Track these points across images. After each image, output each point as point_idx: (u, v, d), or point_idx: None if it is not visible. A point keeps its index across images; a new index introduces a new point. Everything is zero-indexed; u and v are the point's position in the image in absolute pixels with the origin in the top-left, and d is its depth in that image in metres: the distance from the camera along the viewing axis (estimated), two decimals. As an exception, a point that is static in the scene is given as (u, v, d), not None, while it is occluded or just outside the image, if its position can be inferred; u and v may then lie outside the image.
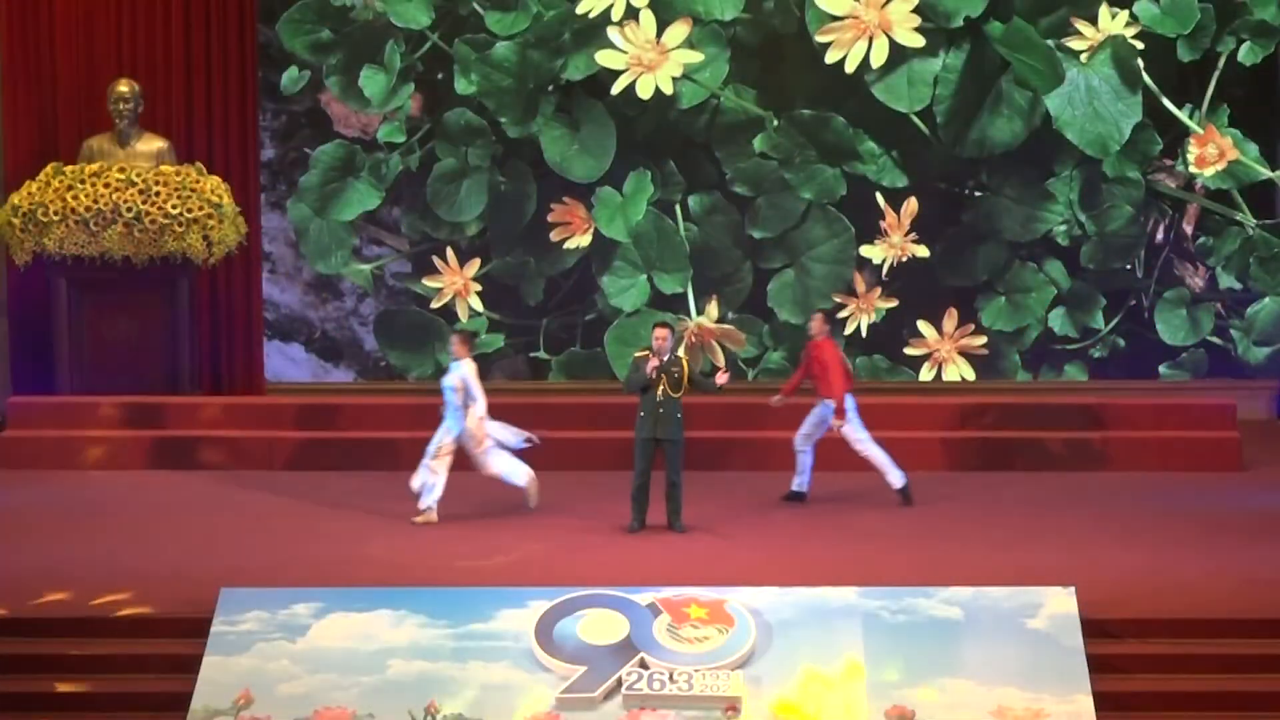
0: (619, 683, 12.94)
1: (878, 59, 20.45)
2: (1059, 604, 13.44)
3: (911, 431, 18.67)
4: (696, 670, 12.98)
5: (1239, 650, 13.36)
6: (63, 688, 13.18)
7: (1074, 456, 18.53)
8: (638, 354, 16.00)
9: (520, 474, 16.47)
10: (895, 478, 16.93)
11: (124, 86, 19.47)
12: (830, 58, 20.50)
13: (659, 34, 20.48)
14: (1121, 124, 20.55)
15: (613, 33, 20.47)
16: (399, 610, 13.43)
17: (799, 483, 17.00)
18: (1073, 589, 13.56)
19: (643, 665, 13.05)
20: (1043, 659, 13.09)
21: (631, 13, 20.45)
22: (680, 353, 16.46)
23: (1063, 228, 20.69)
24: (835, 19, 20.48)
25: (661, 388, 15.75)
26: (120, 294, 19.29)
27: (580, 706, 12.86)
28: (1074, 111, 20.56)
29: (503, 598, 13.52)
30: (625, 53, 20.51)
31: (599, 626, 13.31)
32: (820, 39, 20.51)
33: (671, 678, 12.95)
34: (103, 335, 19.29)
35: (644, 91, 20.47)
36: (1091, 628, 13.31)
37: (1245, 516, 16.52)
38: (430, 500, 16.19)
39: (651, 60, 20.56)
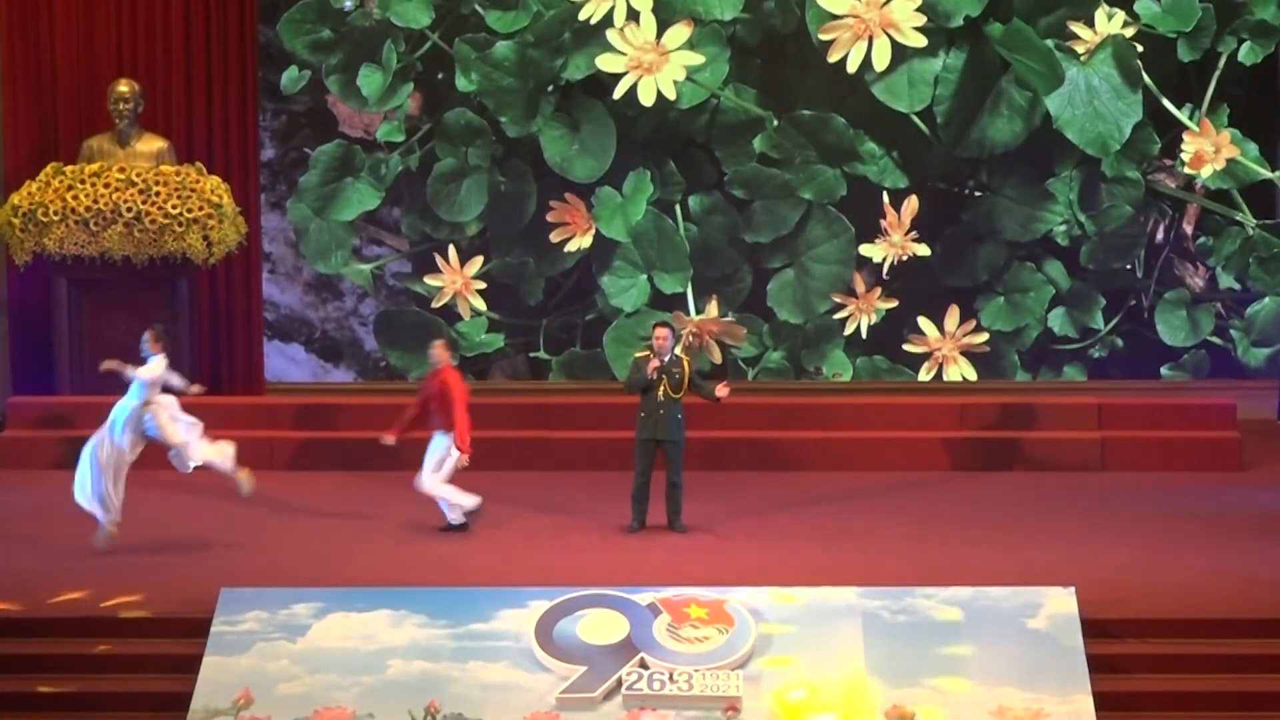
0: (619, 683, 12.95)
1: (879, 59, 20.45)
2: (1059, 604, 13.45)
3: (912, 431, 18.69)
4: (696, 670, 12.98)
5: (1239, 650, 13.36)
6: (63, 688, 13.18)
7: (1074, 456, 18.52)
8: (638, 354, 15.99)
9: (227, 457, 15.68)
10: (458, 513, 16.00)
11: (124, 86, 19.46)
12: (832, 57, 20.50)
13: (659, 35, 20.48)
14: (1122, 123, 20.54)
15: (612, 36, 20.46)
16: (399, 610, 13.43)
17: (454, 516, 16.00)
18: (1073, 589, 13.56)
19: (643, 665, 13.05)
20: (1043, 659, 13.09)
21: (632, 15, 20.44)
22: (679, 352, 16.39)
23: (1062, 228, 20.67)
24: (836, 18, 20.48)
25: (662, 388, 15.74)
26: (120, 294, 19.28)
27: (580, 706, 12.86)
28: (1074, 111, 20.55)
29: (503, 598, 13.53)
30: (625, 55, 20.51)
31: (599, 626, 13.32)
32: (821, 37, 20.51)
33: (671, 678, 12.96)
34: (103, 335, 19.27)
35: (645, 95, 20.46)
36: (1091, 628, 13.31)
37: (1245, 516, 16.52)
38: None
39: (652, 62, 20.54)
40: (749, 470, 18.18)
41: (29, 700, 13.09)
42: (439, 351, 16.30)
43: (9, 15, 19.96)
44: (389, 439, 16.31)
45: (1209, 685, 13.16)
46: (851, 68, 20.49)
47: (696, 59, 20.51)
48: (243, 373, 20.29)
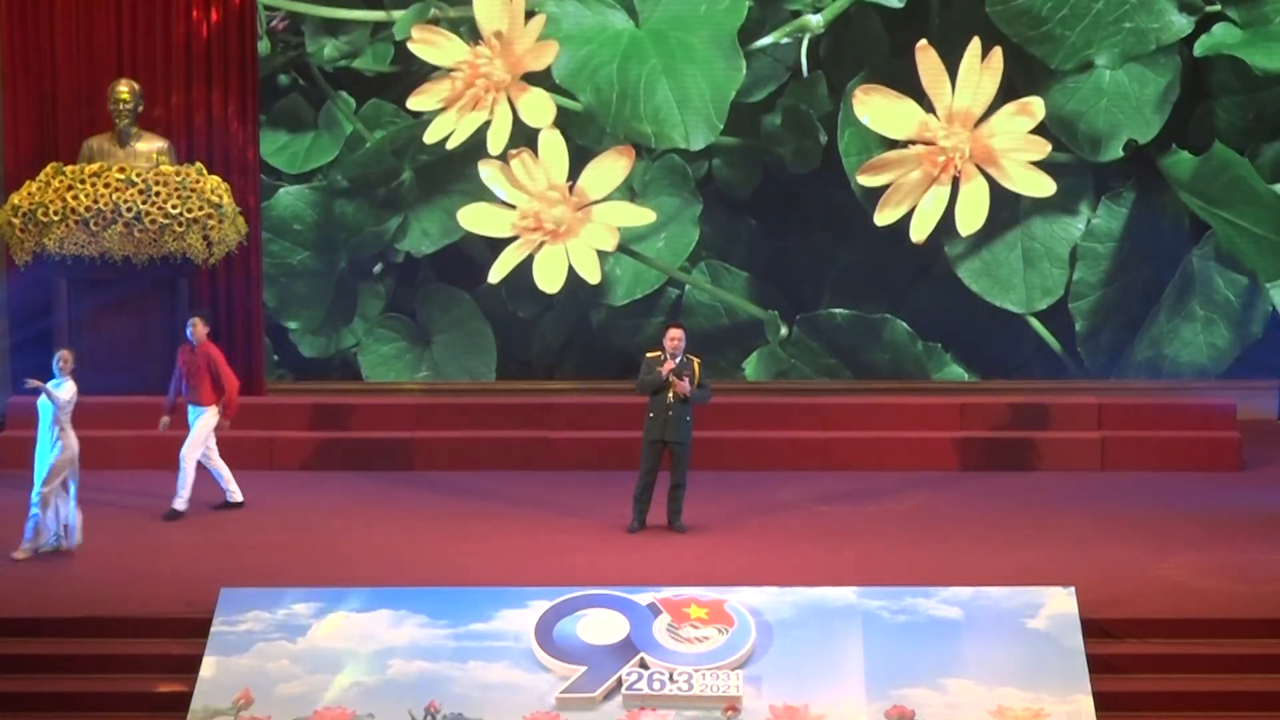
0: (619, 683, 12.95)
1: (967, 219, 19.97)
2: (1059, 604, 13.45)
3: (911, 431, 18.68)
4: (696, 670, 12.98)
5: (1239, 650, 13.37)
6: (63, 688, 13.18)
7: (1074, 456, 18.52)
8: (649, 354, 15.95)
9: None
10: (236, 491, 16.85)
11: (124, 87, 19.44)
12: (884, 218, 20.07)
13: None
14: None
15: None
16: (399, 610, 13.44)
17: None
18: (1073, 589, 13.57)
19: (643, 665, 13.05)
20: (1043, 659, 13.09)
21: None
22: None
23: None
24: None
25: (672, 390, 15.70)
26: (120, 294, 19.27)
27: (580, 706, 12.86)
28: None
29: (503, 598, 13.53)
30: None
31: (599, 626, 13.32)
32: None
33: (671, 678, 12.95)
34: (103, 335, 19.27)
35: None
36: (1091, 628, 13.32)
37: (1245, 516, 16.52)
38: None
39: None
40: (749, 470, 18.17)
41: (29, 700, 13.09)
42: (199, 328, 16.75)
43: (9, 15, 19.95)
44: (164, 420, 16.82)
45: (1209, 685, 13.17)
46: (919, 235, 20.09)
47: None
48: (243, 373, 20.20)
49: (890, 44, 20.19)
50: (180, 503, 16.57)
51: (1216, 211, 20.14)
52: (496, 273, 20.27)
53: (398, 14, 20.24)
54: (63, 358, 15.73)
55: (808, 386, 20.42)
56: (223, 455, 18.38)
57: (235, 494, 16.87)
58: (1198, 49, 19.97)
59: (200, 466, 16.78)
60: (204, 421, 16.74)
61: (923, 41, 19.95)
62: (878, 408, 19.16)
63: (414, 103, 20.19)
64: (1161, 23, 20.05)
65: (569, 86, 20.15)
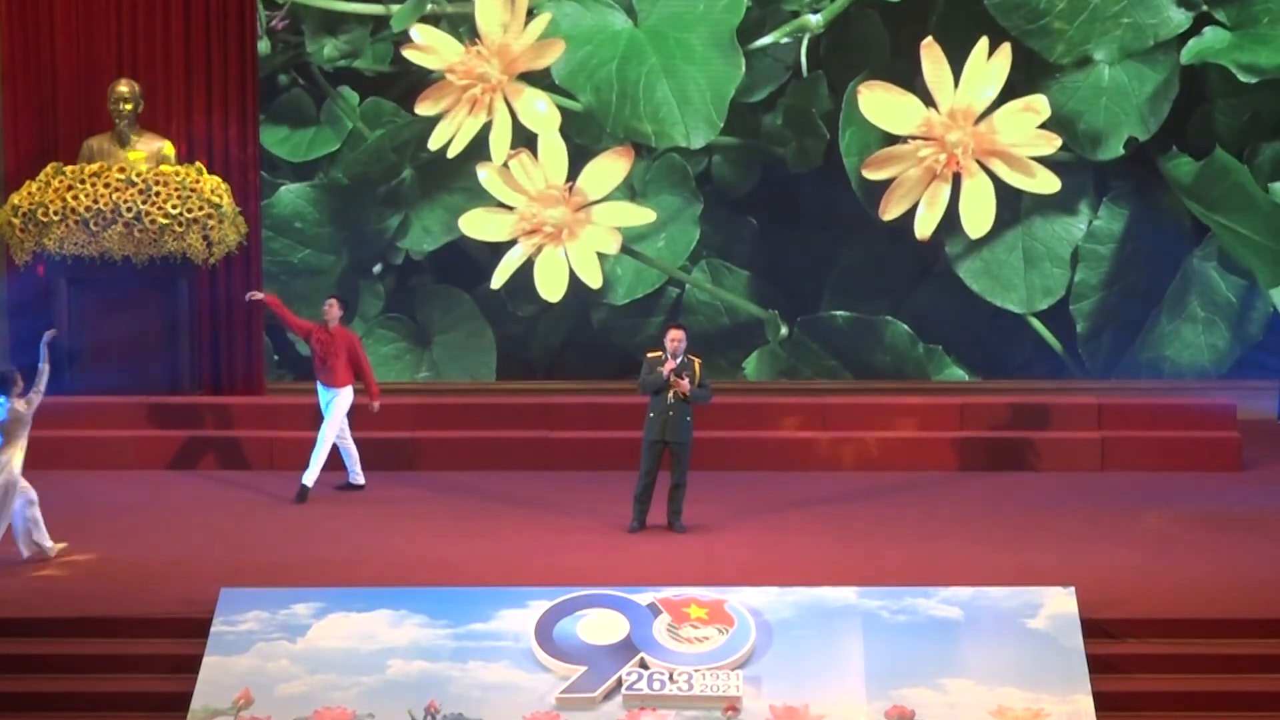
0: (619, 683, 12.94)
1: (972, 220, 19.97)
2: (1059, 604, 13.44)
3: (912, 431, 18.68)
4: (696, 670, 12.98)
5: (1239, 650, 13.36)
6: (63, 688, 13.17)
7: (1074, 456, 18.52)
8: (650, 354, 15.94)
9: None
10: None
11: (124, 86, 19.46)
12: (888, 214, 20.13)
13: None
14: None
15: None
16: (399, 610, 13.43)
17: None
18: (1073, 589, 13.56)
19: (643, 665, 13.05)
20: (1043, 659, 13.09)
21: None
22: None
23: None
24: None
25: (673, 390, 15.69)
26: (120, 294, 19.27)
27: (580, 706, 12.86)
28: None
29: (503, 598, 13.53)
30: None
31: (599, 626, 13.31)
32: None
33: (671, 678, 12.95)
34: (103, 335, 19.27)
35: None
36: (1091, 628, 13.31)
37: (1245, 516, 16.52)
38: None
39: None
40: (749, 470, 18.17)
41: (29, 700, 13.08)
42: (334, 310, 17.22)
43: (9, 15, 19.96)
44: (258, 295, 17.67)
45: (1209, 685, 13.16)
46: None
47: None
48: (243, 373, 20.27)
49: (890, 43, 20.20)
50: (310, 478, 17.00)
51: (1216, 217, 20.14)
52: (498, 278, 20.27)
53: (396, 9, 20.27)
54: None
55: (808, 386, 20.42)
56: (222, 455, 18.45)
57: (359, 476, 17.40)
58: (1185, 56, 19.99)
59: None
60: (340, 403, 17.11)
61: (928, 39, 19.96)
62: (878, 408, 19.15)
63: (420, 109, 20.19)
64: (1160, 18, 20.07)
65: (568, 87, 20.15)
